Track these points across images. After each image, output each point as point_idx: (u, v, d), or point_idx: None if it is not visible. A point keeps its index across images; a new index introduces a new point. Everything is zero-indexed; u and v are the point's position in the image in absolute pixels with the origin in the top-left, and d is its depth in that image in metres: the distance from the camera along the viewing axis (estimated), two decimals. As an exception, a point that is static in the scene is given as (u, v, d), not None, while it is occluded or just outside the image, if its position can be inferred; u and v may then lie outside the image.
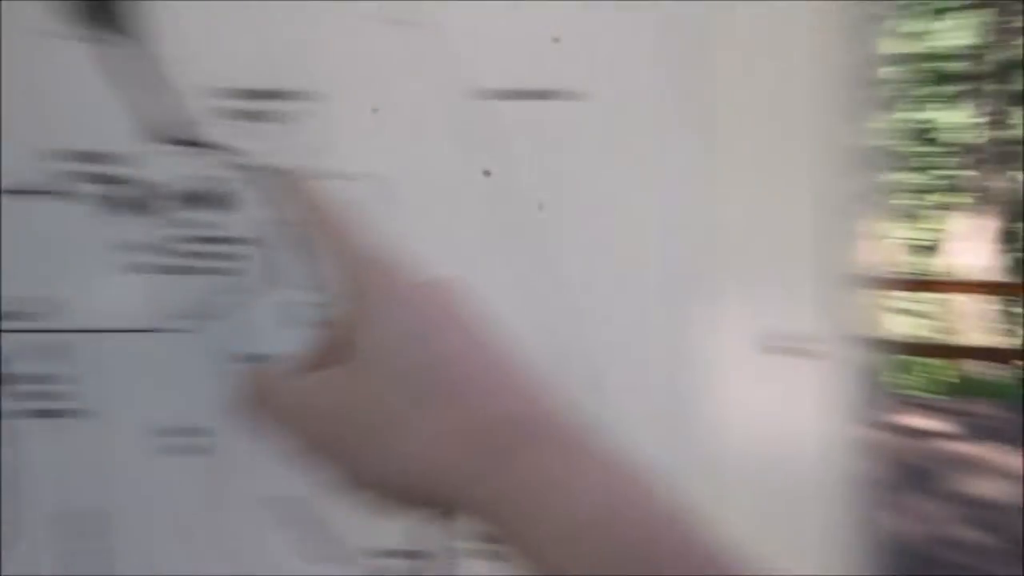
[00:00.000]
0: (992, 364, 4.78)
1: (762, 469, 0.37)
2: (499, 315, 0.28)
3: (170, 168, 0.35)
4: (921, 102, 7.55)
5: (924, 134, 7.74)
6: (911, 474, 2.96)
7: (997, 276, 6.16)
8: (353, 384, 0.26)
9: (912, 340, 5.28)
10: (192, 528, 0.38)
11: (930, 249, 7.58)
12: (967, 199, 6.75)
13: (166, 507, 0.38)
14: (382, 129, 0.35)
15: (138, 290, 0.36)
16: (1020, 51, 6.13)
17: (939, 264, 7.17)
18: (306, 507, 0.37)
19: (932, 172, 7.72)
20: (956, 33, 7.08)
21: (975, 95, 6.89)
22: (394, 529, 0.37)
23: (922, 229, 7.77)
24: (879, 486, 0.38)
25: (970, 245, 6.43)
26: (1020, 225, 6.81)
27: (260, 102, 0.35)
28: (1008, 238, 6.60)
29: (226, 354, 0.36)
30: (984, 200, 6.50)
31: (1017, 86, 6.46)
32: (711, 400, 0.37)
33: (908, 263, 7.45)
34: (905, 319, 6.36)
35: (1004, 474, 3.06)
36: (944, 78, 7.33)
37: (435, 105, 0.34)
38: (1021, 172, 6.52)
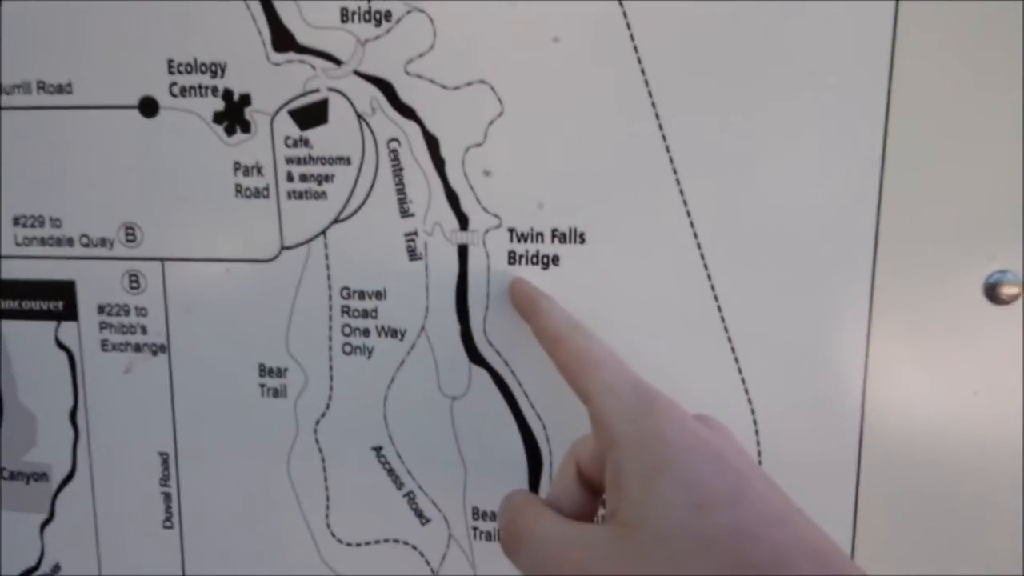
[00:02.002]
0: None
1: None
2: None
3: (278, 81, 0.32)
4: None
5: None
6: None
7: None
8: (626, 550, 0.22)
9: None
10: (265, 472, 0.35)
11: None
12: None
13: (239, 449, 0.35)
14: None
15: (237, 216, 0.34)
16: None
17: None
18: (384, 457, 0.35)
19: None
20: None
21: None
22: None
23: None
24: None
25: None
26: None
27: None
28: None
29: (322, 289, 0.34)
30: None
31: None
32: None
33: None
34: None
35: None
36: None
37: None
38: None
